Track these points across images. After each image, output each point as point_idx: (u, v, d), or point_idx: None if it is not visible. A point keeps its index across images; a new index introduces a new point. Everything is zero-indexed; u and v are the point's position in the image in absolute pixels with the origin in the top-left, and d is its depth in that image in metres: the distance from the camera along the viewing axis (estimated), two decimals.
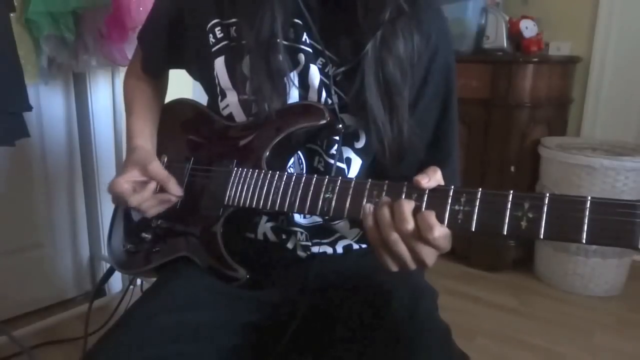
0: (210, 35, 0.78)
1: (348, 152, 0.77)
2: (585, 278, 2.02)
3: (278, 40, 0.71)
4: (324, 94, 0.74)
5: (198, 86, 0.89)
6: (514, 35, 2.26)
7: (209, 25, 0.78)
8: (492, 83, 2.11)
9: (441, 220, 0.55)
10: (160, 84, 0.96)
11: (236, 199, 0.72)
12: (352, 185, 0.62)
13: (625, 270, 2.06)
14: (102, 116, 1.75)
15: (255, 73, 0.73)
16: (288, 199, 0.67)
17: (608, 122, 2.32)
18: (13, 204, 1.64)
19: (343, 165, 0.76)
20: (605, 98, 2.32)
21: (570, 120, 2.42)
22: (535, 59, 2.14)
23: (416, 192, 0.58)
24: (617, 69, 2.28)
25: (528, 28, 2.25)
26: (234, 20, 0.77)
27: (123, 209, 0.92)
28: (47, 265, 1.76)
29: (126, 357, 0.62)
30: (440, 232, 0.54)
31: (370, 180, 0.61)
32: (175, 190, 0.77)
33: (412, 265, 0.58)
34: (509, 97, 2.09)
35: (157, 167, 0.77)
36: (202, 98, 0.90)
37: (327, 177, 0.65)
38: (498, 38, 2.22)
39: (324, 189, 0.64)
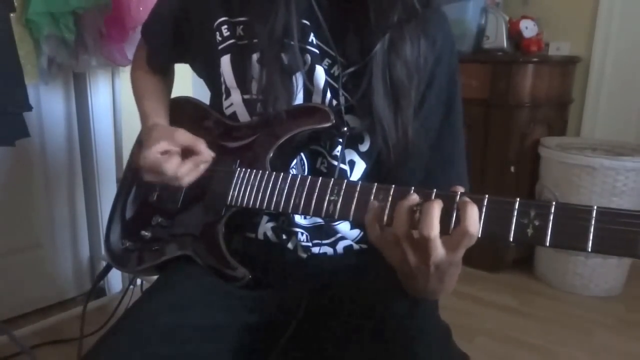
0: (217, 33, 0.78)
1: (352, 155, 0.77)
2: (585, 278, 2.02)
3: (292, 42, 0.71)
4: (328, 94, 0.74)
5: (198, 84, 0.89)
6: (514, 35, 2.26)
7: (217, 23, 0.78)
8: (492, 83, 2.11)
9: (447, 228, 0.54)
10: (165, 77, 0.96)
11: (239, 200, 0.72)
12: (358, 188, 0.62)
13: (625, 270, 2.06)
14: (102, 116, 1.75)
15: (267, 71, 0.73)
16: (292, 201, 0.67)
17: (608, 122, 2.32)
18: (13, 204, 1.64)
19: (346, 167, 0.76)
20: (605, 98, 2.31)
21: (570, 120, 2.41)
22: (535, 59, 2.14)
23: (422, 197, 0.57)
24: (617, 69, 2.28)
25: (528, 28, 2.25)
26: (242, 18, 0.77)
27: (122, 205, 0.92)
28: (47, 265, 1.76)
29: (126, 357, 0.62)
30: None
31: (376, 184, 0.61)
32: (207, 152, 0.74)
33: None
34: (509, 97, 2.08)
35: (183, 133, 0.75)
36: (202, 96, 0.90)
37: (332, 179, 0.64)
38: (498, 38, 2.22)
39: (329, 192, 0.64)
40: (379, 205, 0.58)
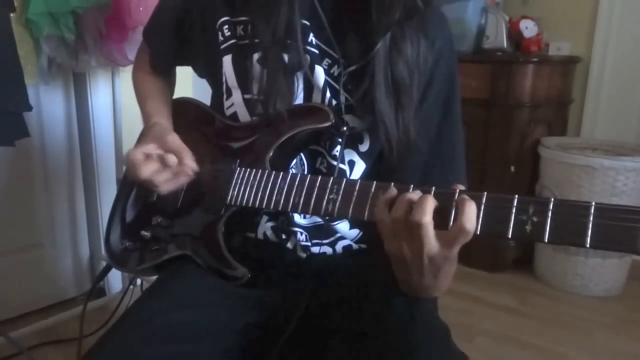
0: (219, 33, 0.78)
1: (352, 155, 0.77)
2: (585, 278, 2.02)
3: (295, 41, 0.71)
4: (327, 94, 0.74)
5: (199, 85, 0.89)
6: (514, 35, 2.26)
7: (219, 23, 0.78)
8: (492, 83, 2.11)
9: (446, 224, 0.55)
10: (168, 79, 0.96)
11: (239, 199, 0.72)
12: (357, 187, 0.62)
13: (625, 270, 2.06)
14: (102, 116, 1.75)
15: (268, 71, 0.73)
16: (292, 200, 0.67)
17: (608, 122, 2.32)
18: (13, 204, 1.64)
19: (345, 167, 0.76)
20: (605, 98, 2.31)
21: (570, 120, 2.41)
22: (535, 59, 2.14)
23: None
24: (617, 69, 2.27)
25: (528, 28, 2.25)
26: (243, 18, 0.77)
27: (122, 205, 0.92)
28: (47, 265, 1.76)
29: (126, 356, 0.62)
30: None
31: (375, 182, 0.61)
32: (191, 163, 0.73)
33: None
34: (509, 97, 2.08)
35: (175, 139, 0.74)
36: (203, 97, 0.90)
37: (332, 177, 0.65)
38: (498, 38, 2.22)
39: (328, 190, 0.64)
40: (394, 192, 0.59)
